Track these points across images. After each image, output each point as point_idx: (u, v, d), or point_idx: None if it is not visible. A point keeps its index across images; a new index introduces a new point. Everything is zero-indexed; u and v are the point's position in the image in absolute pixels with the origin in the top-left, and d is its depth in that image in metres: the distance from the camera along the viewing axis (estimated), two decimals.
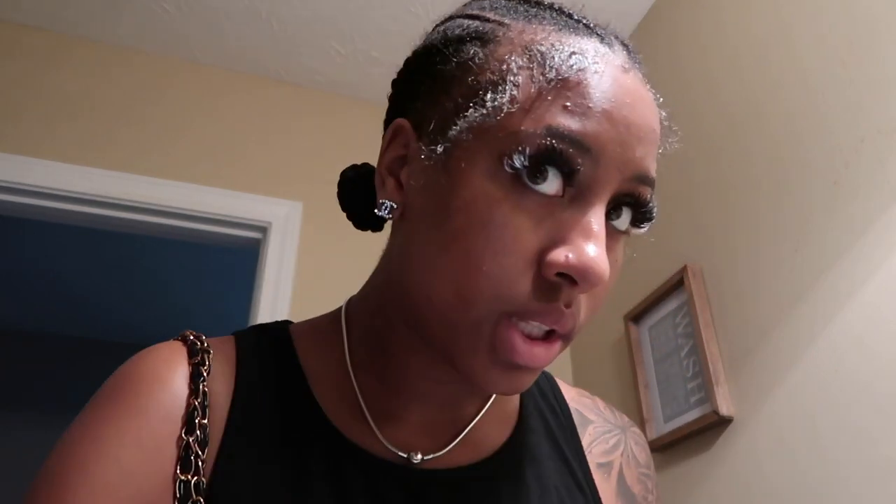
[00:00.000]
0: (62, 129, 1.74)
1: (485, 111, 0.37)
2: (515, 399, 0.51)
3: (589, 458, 0.50)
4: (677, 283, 1.41)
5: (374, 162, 0.48)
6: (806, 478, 1.05)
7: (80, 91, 1.80)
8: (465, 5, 0.46)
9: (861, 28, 1.10)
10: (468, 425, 0.47)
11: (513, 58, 0.38)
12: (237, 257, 2.62)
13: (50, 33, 1.84)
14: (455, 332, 0.38)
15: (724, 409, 1.23)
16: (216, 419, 0.42)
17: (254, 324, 0.56)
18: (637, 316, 1.55)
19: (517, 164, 0.36)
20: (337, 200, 0.54)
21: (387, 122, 0.48)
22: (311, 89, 2.06)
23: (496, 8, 0.43)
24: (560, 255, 0.36)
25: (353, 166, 0.52)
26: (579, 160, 0.36)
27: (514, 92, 0.37)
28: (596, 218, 0.37)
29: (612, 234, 0.40)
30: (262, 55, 1.94)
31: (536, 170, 0.36)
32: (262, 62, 1.97)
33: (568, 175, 0.36)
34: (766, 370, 1.18)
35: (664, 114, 0.42)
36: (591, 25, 0.42)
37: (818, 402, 1.06)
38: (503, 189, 0.36)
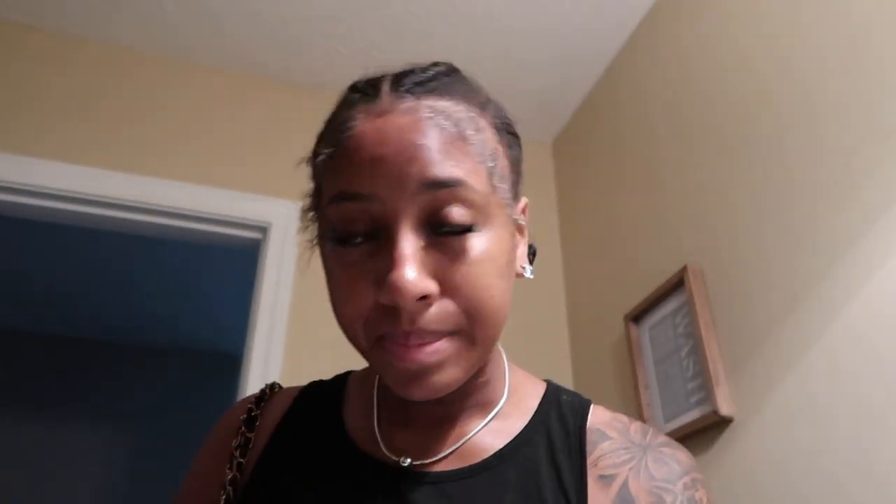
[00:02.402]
0: (62, 129, 1.74)
1: (314, 199, 0.51)
2: (523, 418, 0.54)
3: (592, 470, 0.51)
4: (677, 283, 1.41)
5: None
6: (805, 478, 1.05)
7: (79, 91, 1.80)
8: None
9: (861, 28, 1.10)
10: (465, 438, 0.53)
11: (319, 148, 0.50)
12: (237, 257, 2.62)
13: (49, 33, 1.84)
14: (369, 362, 0.49)
15: (724, 409, 1.23)
16: (262, 434, 0.57)
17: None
18: (637, 316, 1.55)
19: (330, 234, 0.46)
20: None
21: None
22: (312, 89, 2.06)
23: (333, 108, 0.53)
24: (381, 290, 0.43)
25: None
26: (362, 211, 0.44)
27: (322, 175, 0.48)
28: (399, 245, 0.43)
29: (449, 241, 0.45)
30: (263, 55, 1.94)
31: (338, 237, 0.45)
32: (262, 62, 1.97)
33: (366, 225, 0.44)
34: (766, 370, 1.18)
35: (459, 115, 0.47)
36: (364, 87, 0.51)
37: (818, 402, 1.06)
38: (336, 253, 0.46)
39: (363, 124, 0.46)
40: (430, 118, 0.46)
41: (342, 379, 0.62)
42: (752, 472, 1.16)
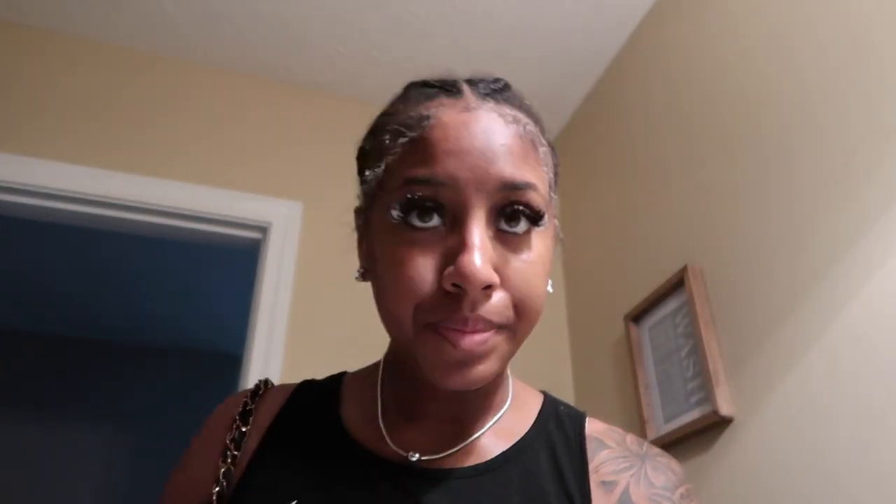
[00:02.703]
0: (62, 130, 1.74)
1: (376, 174, 0.50)
2: (525, 423, 0.56)
3: (594, 476, 0.53)
4: (677, 283, 1.41)
5: None
6: (806, 478, 1.05)
7: (79, 91, 1.80)
8: None
9: (860, 28, 1.10)
10: (473, 438, 0.54)
11: (385, 137, 0.50)
12: (237, 257, 2.62)
13: (49, 33, 1.84)
14: (407, 350, 0.48)
15: (724, 409, 1.23)
16: (256, 428, 0.56)
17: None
18: (637, 316, 1.55)
19: (395, 213, 0.46)
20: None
21: None
22: (312, 89, 2.06)
23: (391, 101, 0.56)
24: (449, 270, 0.44)
25: None
26: (441, 196, 0.46)
27: (388, 159, 0.49)
28: (471, 233, 0.45)
29: (511, 238, 0.47)
30: (263, 55, 1.94)
31: (410, 213, 0.46)
32: (262, 62, 1.97)
33: (437, 209, 0.46)
34: (766, 370, 1.18)
35: (530, 128, 0.51)
36: (443, 84, 0.52)
37: (818, 402, 1.06)
38: (397, 234, 0.47)
39: (447, 116, 0.48)
40: (512, 123, 0.49)
41: (336, 379, 0.62)
42: (752, 472, 1.16)
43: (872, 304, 0.99)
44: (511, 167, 0.47)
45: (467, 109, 0.48)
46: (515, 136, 0.48)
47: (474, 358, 0.45)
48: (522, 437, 0.55)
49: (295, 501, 0.49)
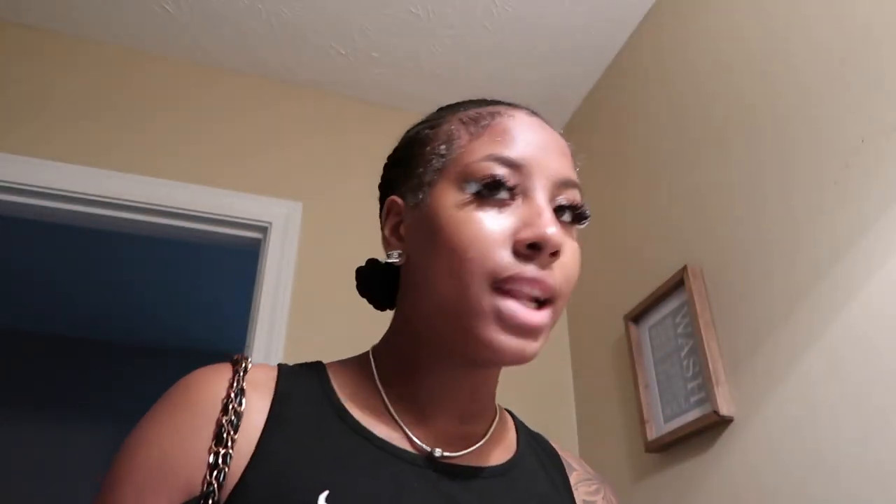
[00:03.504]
0: (62, 130, 1.74)
1: (443, 158, 0.54)
2: (511, 435, 0.61)
3: (576, 493, 0.60)
4: (677, 283, 1.41)
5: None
6: (805, 478, 1.05)
7: (79, 92, 1.80)
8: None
9: (860, 28, 1.10)
10: (478, 442, 0.57)
11: (452, 126, 0.56)
12: (237, 257, 2.62)
13: (49, 33, 1.84)
14: (464, 316, 0.49)
15: (724, 409, 1.23)
16: (254, 410, 0.51)
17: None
18: (637, 316, 1.55)
19: (474, 185, 0.51)
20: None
21: (381, 202, 0.63)
22: (312, 89, 2.06)
23: (436, 111, 0.62)
24: (527, 231, 0.49)
25: (369, 262, 0.64)
26: (513, 175, 0.51)
27: (460, 141, 0.54)
28: (545, 204, 0.51)
29: (562, 225, 0.53)
30: (263, 55, 1.94)
31: (487, 186, 0.51)
32: (262, 62, 1.97)
33: (510, 189, 0.51)
34: (766, 370, 1.18)
35: (571, 147, 0.58)
36: (498, 100, 0.59)
37: (818, 402, 1.06)
38: (472, 202, 0.51)
39: (519, 115, 0.56)
40: (563, 137, 0.58)
41: (316, 368, 0.59)
42: (752, 471, 1.16)
43: (872, 304, 0.99)
44: (568, 167, 0.55)
45: (531, 115, 0.57)
46: (567, 147, 0.57)
47: (535, 332, 0.49)
48: (518, 449, 0.59)
49: (327, 492, 0.46)
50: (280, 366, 0.58)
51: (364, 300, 0.64)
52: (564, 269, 0.52)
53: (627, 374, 1.59)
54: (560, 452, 0.64)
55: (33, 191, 1.65)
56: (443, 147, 0.55)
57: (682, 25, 1.63)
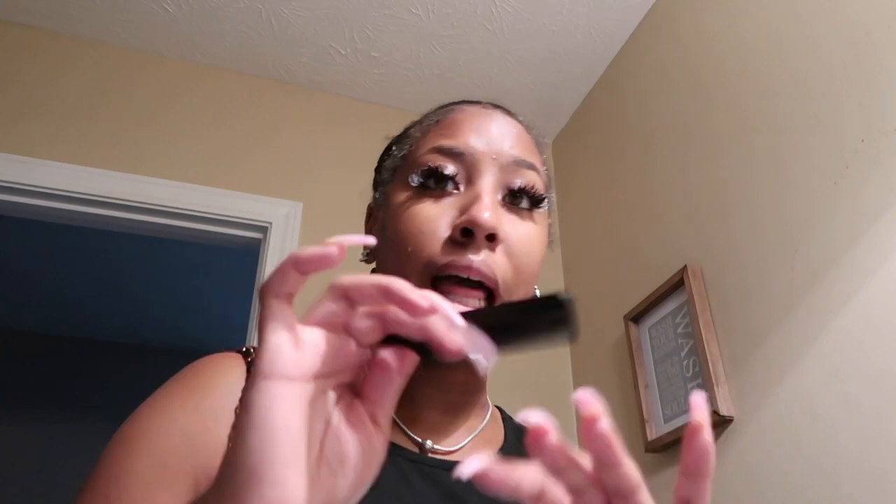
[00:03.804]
0: (62, 130, 1.74)
1: (397, 157, 0.57)
2: (501, 428, 0.62)
3: None
4: (677, 283, 1.41)
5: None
6: (805, 477, 1.05)
7: (79, 91, 1.80)
8: None
9: (861, 29, 1.10)
10: (470, 436, 0.57)
11: (411, 129, 0.59)
12: (237, 257, 2.62)
13: (50, 33, 1.84)
14: None
15: (724, 409, 1.23)
16: None
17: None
18: (637, 316, 1.55)
19: (417, 177, 0.53)
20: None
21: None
22: (312, 89, 2.06)
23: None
24: (459, 218, 0.50)
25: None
26: (455, 164, 0.53)
27: (412, 140, 0.57)
28: (483, 189, 0.51)
29: (515, 210, 0.53)
30: (263, 55, 1.94)
31: (431, 178, 0.52)
32: (262, 62, 1.97)
33: (451, 178, 0.52)
34: (766, 370, 1.18)
35: (534, 132, 0.60)
36: (465, 100, 0.60)
37: (818, 402, 1.06)
38: (415, 195, 0.53)
39: (471, 108, 0.57)
40: (520, 124, 0.58)
41: None
42: (752, 471, 1.16)
43: (871, 305, 0.99)
44: (520, 150, 0.55)
45: (485, 108, 0.58)
46: (524, 132, 0.57)
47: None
48: (505, 440, 0.59)
49: None
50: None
51: None
52: (512, 256, 0.51)
53: (627, 374, 1.59)
54: None
55: (33, 191, 1.65)
56: (397, 148, 0.58)
57: (680, 27, 1.63)
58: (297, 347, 0.30)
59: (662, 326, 1.47)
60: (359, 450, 0.32)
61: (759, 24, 1.35)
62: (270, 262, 1.73)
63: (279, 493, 0.27)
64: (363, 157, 1.97)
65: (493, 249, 0.50)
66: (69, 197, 1.67)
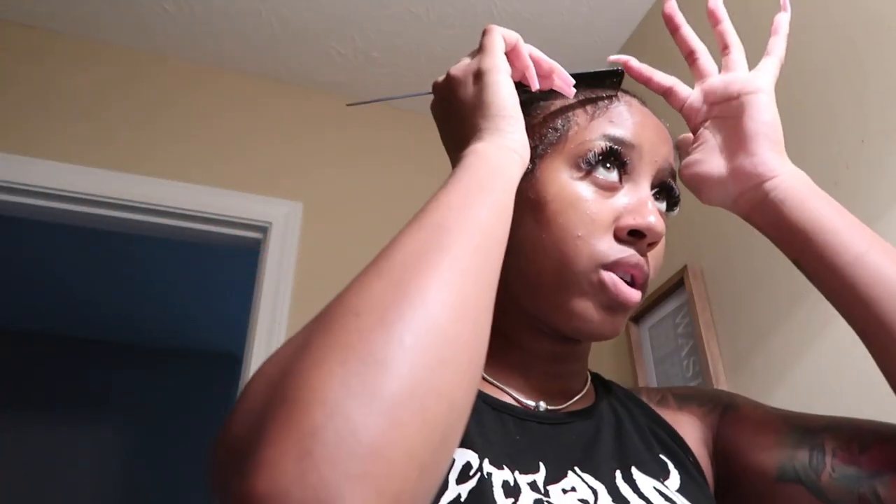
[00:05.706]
0: (62, 129, 1.74)
1: (557, 133, 0.56)
2: (592, 394, 0.62)
3: (663, 405, 0.63)
4: (677, 283, 1.41)
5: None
6: None
7: (79, 91, 1.80)
8: None
9: (861, 29, 1.10)
10: (575, 397, 0.58)
11: (569, 104, 0.59)
12: (237, 257, 2.62)
13: (50, 33, 1.84)
14: (564, 290, 0.52)
15: None
16: None
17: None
18: (637, 316, 1.55)
19: (589, 161, 0.53)
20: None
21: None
22: (312, 89, 2.06)
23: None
24: (630, 219, 0.51)
25: None
26: (628, 154, 0.54)
27: (577, 119, 0.56)
28: (648, 197, 0.53)
29: (662, 211, 0.56)
30: (262, 55, 1.94)
31: (601, 164, 0.53)
32: (262, 62, 1.97)
33: (622, 166, 0.54)
34: (766, 370, 1.18)
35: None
36: (624, 90, 0.62)
37: (818, 403, 1.06)
38: (581, 181, 0.53)
39: (634, 102, 0.60)
40: (667, 129, 0.61)
41: None
42: None
43: None
44: (672, 157, 0.58)
45: (644, 106, 0.62)
46: (670, 137, 0.61)
47: (628, 310, 0.52)
48: (596, 396, 0.60)
49: (487, 458, 0.47)
50: None
51: None
52: (655, 259, 0.54)
53: (627, 374, 1.59)
54: (636, 390, 0.68)
55: (33, 191, 1.65)
56: (559, 122, 0.57)
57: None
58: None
59: (662, 326, 1.47)
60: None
61: (759, 22, 1.35)
62: (270, 263, 1.73)
63: None
64: (364, 156, 1.98)
65: (648, 252, 0.53)
66: (69, 197, 1.67)
